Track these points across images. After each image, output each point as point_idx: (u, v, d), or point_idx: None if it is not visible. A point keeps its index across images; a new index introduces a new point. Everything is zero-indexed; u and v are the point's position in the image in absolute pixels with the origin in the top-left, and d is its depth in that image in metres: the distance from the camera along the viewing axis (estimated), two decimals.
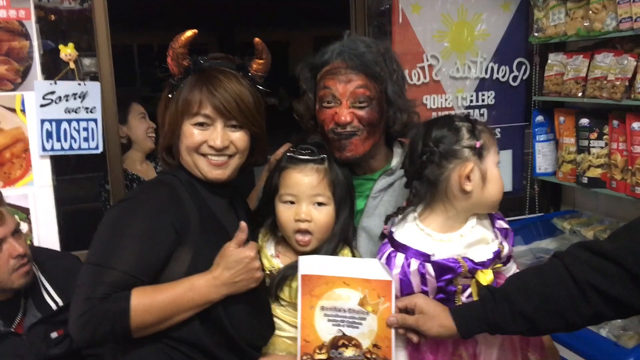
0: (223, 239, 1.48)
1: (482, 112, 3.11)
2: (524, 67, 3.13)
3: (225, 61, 1.58)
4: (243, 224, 1.48)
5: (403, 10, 2.91)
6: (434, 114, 3.02)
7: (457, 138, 1.45)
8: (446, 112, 3.05)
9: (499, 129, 3.15)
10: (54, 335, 1.91)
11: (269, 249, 1.65)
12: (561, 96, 2.82)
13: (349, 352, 1.45)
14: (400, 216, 1.55)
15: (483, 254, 1.46)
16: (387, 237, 1.54)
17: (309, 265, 1.47)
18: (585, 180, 2.73)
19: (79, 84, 2.40)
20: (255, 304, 1.55)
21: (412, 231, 1.50)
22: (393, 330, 1.43)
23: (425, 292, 1.45)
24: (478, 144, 1.45)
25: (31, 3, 2.33)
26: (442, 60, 3.00)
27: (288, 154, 1.62)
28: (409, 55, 2.94)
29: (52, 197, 2.45)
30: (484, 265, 1.44)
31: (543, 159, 3.06)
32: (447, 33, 3.01)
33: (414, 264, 1.43)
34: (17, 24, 2.32)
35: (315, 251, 1.59)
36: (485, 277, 1.43)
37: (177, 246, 1.44)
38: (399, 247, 1.47)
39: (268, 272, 1.61)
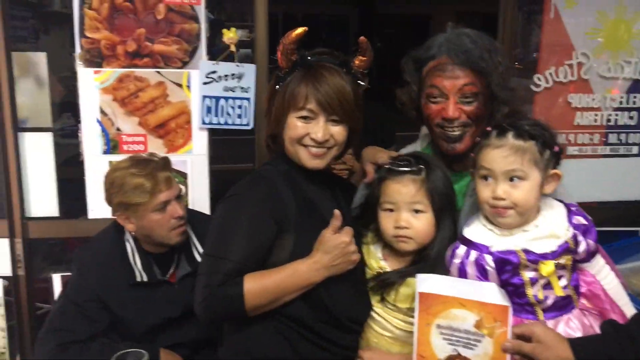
0: (321, 225, 1.61)
1: (631, 115, 2.97)
2: None
3: (330, 57, 1.69)
4: (337, 211, 1.60)
5: (556, 5, 2.84)
6: (578, 114, 2.95)
7: None
8: (592, 113, 2.96)
9: None
10: None
11: (377, 251, 1.77)
12: None
13: None
14: (473, 217, 1.63)
15: (548, 246, 1.49)
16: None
17: (426, 283, 1.54)
18: None
19: (237, 66, 2.64)
20: (353, 282, 1.68)
21: (477, 227, 1.58)
22: (508, 356, 1.45)
23: None
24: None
25: None
26: (592, 58, 2.89)
27: (386, 166, 1.72)
28: (557, 51, 2.87)
29: (207, 165, 2.73)
30: (546, 257, 1.48)
31: None
32: (601, 30, 2.89)
33: (473, 255, 1.52)
34: (189, 8, 2.59)
35: (417, 253, 1.69)
36: (546, 268, 1.47)
37: (279, 234, 1.60)
38: (464, 241, 1.57)
39: (376, 273, 1.73)
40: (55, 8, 3.00)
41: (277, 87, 1.69)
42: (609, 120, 2.97)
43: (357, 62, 1.69)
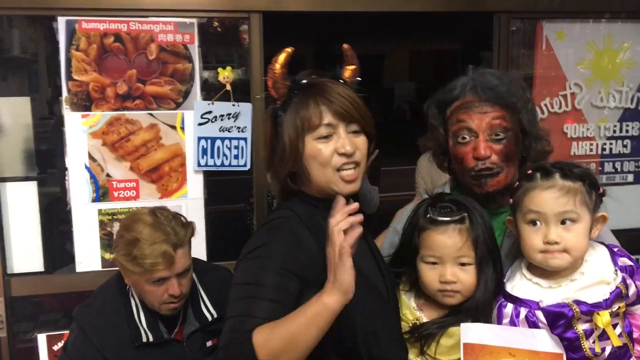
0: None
1: (625, 143, 3.00)
2: None
3: (320, 75, 1.53)
4: None
5: (547, 37, 2.86)
6: (574, 144, 2.96)
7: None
8: (587, 142, 2.97)
9: None
10: (208, 343, 2.03)
11: (410, 301, 1.64)
12: None
13: None
14: (512, 267, 1.54)
15: (599, 294, 1.41)
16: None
17: (471, 333, 1.44)
18: None
19: (233, 105, 2.54)
20: (391, 337, 1.54)
21: (521, 282, 1.49)
22: None
23: None
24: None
25: (195, 28, 2.50)
26: (585, 89, 2.92)
27: (428, 215, 1.58)
28: (551, 83, 2.89)
29: (203, 209, 2.60)
30: (600, 306, 1.39)
31: None
32: (591, 61, 2.92)
33: (523, 312, 1.42)
34: (182, 47, 2.49)
35: (462, 305, 1.57)
36: (602, 319, 1.37)
37: (304, 289, 1.41)
38: (509, 297, 1.46)
39: (412, 325, 1.60)
40: (15, 53, 2.83)
41: (279, 120, 1.50)
42: (603, 149, 2.99)
43: (346, 73, 1.55)
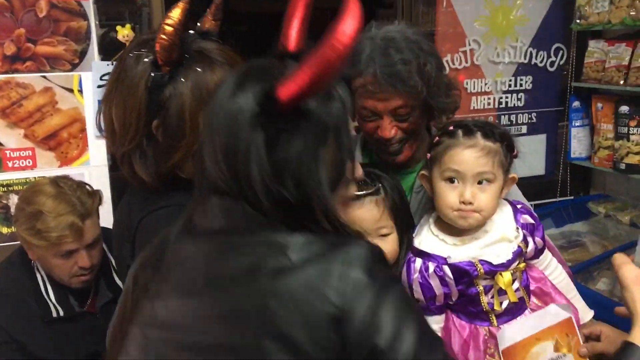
0: None
1: (519, 96, 3.15)
2: (561, 52, 3.17)
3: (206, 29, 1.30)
4: None
5: None
6: (473, 98, 3.07)
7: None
8: (485, 96, 3.10)
9: (535, 114, 3.20)
10: None
11: None
12: (601, 83, 2.87)
13: None
14: (420, 223, 1.56)
15: (502, 254, 1.44)
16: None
17: (506, 337, 1.44)
18: (622, 166, 2.80)
19: None
20: None
21: (428, 237, 1.51)
22: None
23: (447, 295, 1.45)
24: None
25: None
26: (483, 45, 3.03)
27: None
28: (451, 39, 2.97)
29: (107, 176, 2.49)
30: (503, 266, 1.43)
31: (578, 144, 3.12)
32: (488, 18, 3.03)
33: (431, 267, 1.44)
34: (75, 4, 2.33)
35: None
36: (504, 280, 1.42)
37: None
38: (418, 253, 1.48)
39: None
40: None
41: (164, 92, 1.18)
42: (500, 103, 3.13)
43: (207, 24, 1.33)
